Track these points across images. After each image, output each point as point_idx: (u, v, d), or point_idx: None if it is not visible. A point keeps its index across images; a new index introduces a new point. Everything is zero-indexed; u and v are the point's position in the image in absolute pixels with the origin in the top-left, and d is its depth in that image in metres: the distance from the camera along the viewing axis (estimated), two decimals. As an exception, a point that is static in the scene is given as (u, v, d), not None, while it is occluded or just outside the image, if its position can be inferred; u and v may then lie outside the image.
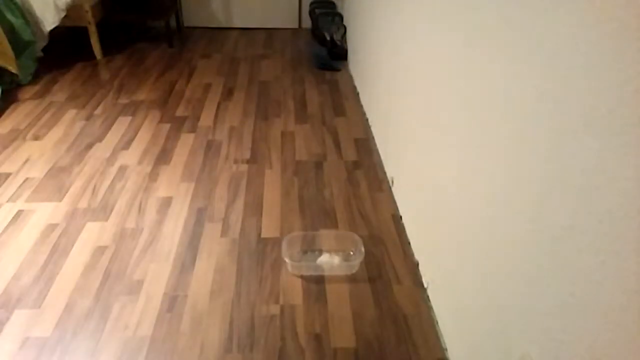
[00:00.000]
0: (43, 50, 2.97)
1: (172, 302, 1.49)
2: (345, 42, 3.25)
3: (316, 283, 1.58)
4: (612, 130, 0.68)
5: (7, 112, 2.52)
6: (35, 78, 2.87)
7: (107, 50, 3.28)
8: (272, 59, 3.33)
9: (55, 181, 2.01)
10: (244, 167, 2.14)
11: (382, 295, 1.54)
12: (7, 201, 1.88)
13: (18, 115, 2.49)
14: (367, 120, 2.53)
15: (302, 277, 1.59)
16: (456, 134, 1.28)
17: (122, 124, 2.44)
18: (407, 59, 1.75)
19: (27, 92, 2.72)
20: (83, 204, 1.88)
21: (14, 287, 1.52)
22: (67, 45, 3.36)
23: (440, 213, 1.42)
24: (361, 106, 2.68)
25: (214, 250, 1.69)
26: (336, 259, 1.64)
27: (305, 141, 2.36)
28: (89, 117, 2.49)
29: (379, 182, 2.07)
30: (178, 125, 2.45)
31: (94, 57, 3.19)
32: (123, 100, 2.68)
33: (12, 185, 1.97)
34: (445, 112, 1.36)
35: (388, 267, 1.64)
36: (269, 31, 3.86)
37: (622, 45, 0.66)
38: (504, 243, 1.01)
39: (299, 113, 2.62)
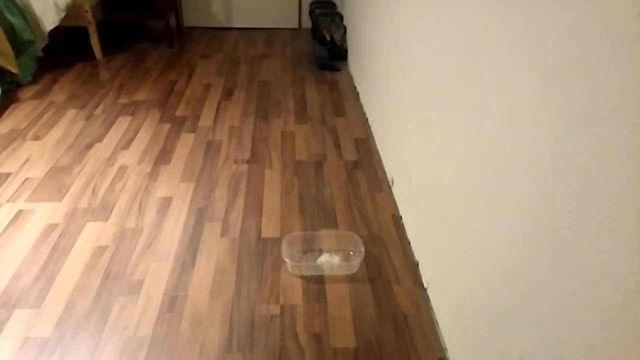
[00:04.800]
0: (43, 50, 2.97)
1: (172, 302, 1.49)
2: (345, 42, 3.25)
3: (316, 283, 1.58)
4: (612, 130, 0.68)
5: (7, 112, 2.52)
6: (35, 78, 2.87)
7: (107, 50, 3.28)
8: (272, 59, 3.33)
9: (55, 181, 2.01)
10: (244, 167, 2.14)
11: (382, 295, 1.54)
12: (7, 201, 1.88)
13: (18, 115, 2.49)
14: (367, 120, 2.53)
15: (302, 277, 1.59)
16: (456, 134, 1.28)
17: (122, 124, 2.44)
18: (407, 59, 1.75)
19: (27, 92, 2.72)
20: (83, 204, 1.88)
21: (14, 287, 1.52)
22: (67, 45, 3.36)
23: (440, 213, 1.42)
24: (361, 106, 2.68)
25: (214, 250, 1.69)
26: (336, 259, 1.65)
27: (305, 141, 2.36)
28: (89, 117, 2.50)
29: (379, 182, 2.07)
30: (178, 125, 2.45)
31: (94, 57, 3.19)
32: (123, 100, 2.69)
33: (12, 185, 1.97)
34: (445, 112, 1.36)
35: (388, 267, 1.64)
36: (269, 31, 3.86)
37: (622, 45, 0.66)
38: (504, 243, 1.01)
39: (299, 113, 2.62)
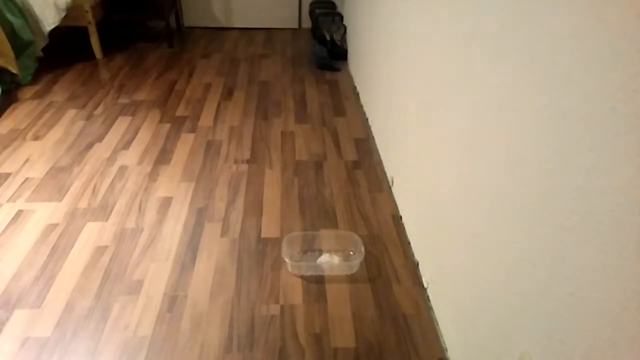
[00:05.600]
0: (43, 50, 2.97)
1: (172, 302, 1.49)
2: (345, 42, 3.25)
3: (316, 283, 1.58)
4: (612, 130, 0.68)
5: (7, 112, 2.52)
6: (35, 78, 2.87)
7: (107, 50, 3.28)
8: (272, 59, 3.33)
9: (55, 181, 2.01)
10: (244, 167, 2.14)
11: (382, 295, 1.54)
12: (7, 201, 1.88)
13: (18, 115, 2.49)
14: (367, 120, 2.53)
15: (302, 277, 1.59)
16: (456, 134, 1.28)
17: (122, 124, 2.44)
18: (407, 59, 1.75)
19: (27, 92, 2.72)
20: (83, 204, 1.88)
21: (14, 287, 1.52)
22: (67, 45, 3.36)
23: (440, 213, 1.42)
24: (361, 106, 2.68)
25: (214, 250, 1.69)
26: (336, 259, 1.64)
27: (305, 141, 2.36)
28: (89, 117, 2.50)
29: (379, 182, 2.07)
30: (178, 125, 2.45)
31: (94, 57, 3.19)
32: (123, 100, 2.69)
33: (12, 185, 1.97)
34: (445, 111, 1.36)
35: (388, 267, 1.64)
36: (269, 31, 3.86)
37: (622, 45, 0.66)
38: (504, 243, 1.01)
39: (299, 113, 2.62)
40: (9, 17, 2.67)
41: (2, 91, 2.59)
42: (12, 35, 2.67)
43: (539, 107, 0.86)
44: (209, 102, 2.70)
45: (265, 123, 2.51)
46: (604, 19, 0.69)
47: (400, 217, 1.86)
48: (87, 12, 3.02)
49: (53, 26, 2.90)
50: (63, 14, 2.91)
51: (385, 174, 2.11)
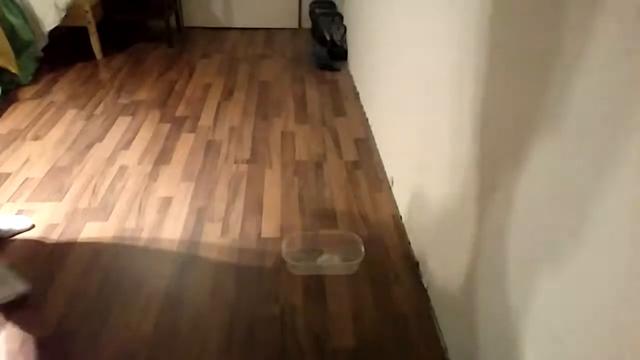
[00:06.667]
0: (43, 50, 2.97)
1: (172, 301, 1.49)
2: (345, 42, 3.25)
3: (316, 283, 1.57)
4: (612, 130, 0.68)
5: (7, 112, 2.52)
6: (35, 78, 2.87)
7: (107, 50, 3.28)
8: (272, 59, 3.33)
9: (55, 181, 2.01)
10: (244, 167, 2.14)
11: (382, 295, 1.54)
12: (7, 201, 1.88)
13: (18, 115, 2.49)
14: (367, 120, 2.53)
15: (302, 277, 1.59)
16: (456, 134, 1.27)
17: (122, 124, 2.44)
18: (407, 58, 1.75)
19: (27, 92, 2.72)
20: (83, 204, 1.88)
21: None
22: (67, 45, 3.35)
23: (440, 213, 1.42)
24: (361, 106, 2.68)
25: (214, 250, 1.69)
26: (336, 259, 1.64)
27: (305, 141, 2.36)
28: (89, 117, 2.50)
29: (379, 182, 2.07)
30: (178, 125, 2.45)
31: (94, 57, 3.19)
32: (123, 100, 2.69)
33: (12, 185, 1.97)
34: (445, 112, 1.36)
35: (388, 267, 1.64)
36: (269, 31, 3.86)
37: (622, 44, 0.66)
38: (504, 243, 1.01)
39: (299, 113, 2.62)
40: (9, 17, 2.67)
41: (2, 91, 2.59)
42: (12, 35, 2.67)
43: (539, 107, 0.86)
44: (209, 102, 2.70)
45: (265, 123, 2.51)
46: (604, 19, 0.69)
47: (400, 217, 1.86)
48: (87, 12, 3.02)
49: (53, 26, 2.90)
50: (63, 14, 2.91)
51: (385, 174, 2.11)
